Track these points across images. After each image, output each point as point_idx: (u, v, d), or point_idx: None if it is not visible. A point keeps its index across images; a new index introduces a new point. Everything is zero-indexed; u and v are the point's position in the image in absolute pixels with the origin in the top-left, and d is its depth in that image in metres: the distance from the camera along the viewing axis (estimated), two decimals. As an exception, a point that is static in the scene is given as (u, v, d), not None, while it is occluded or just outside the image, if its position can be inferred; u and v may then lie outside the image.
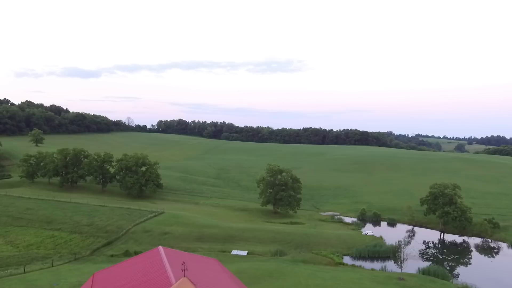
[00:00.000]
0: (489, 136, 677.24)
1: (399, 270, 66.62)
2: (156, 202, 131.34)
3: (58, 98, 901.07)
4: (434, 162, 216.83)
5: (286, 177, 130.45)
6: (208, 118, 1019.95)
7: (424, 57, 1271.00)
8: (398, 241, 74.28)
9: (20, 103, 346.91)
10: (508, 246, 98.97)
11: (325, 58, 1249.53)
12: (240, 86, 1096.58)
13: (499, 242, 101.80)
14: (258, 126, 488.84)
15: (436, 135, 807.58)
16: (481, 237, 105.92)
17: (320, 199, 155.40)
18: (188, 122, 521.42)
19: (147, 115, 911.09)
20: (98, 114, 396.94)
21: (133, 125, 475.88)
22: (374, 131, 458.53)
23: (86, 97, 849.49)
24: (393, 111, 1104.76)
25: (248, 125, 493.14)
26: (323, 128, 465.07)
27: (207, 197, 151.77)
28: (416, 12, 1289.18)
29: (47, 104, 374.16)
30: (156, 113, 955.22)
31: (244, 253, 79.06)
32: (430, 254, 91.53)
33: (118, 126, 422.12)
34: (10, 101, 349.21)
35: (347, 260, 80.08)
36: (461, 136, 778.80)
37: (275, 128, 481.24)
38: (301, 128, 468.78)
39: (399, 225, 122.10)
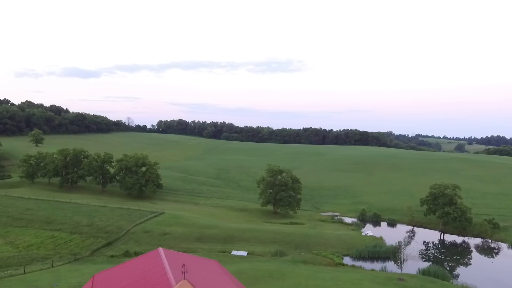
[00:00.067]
0: (489, 136, 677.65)
1: (399, 271, 66.65)
2: (156, 203, 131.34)
3: (58, 98, 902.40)
4: (434, 162, 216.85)
5: (286, 178, 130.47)
6: (208, 118, 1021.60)
7: (424, 57, 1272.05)
8: (398, 242, 74.41)
9: (20, 103, 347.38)
10: (508, 247, 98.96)
11: (325, 58, 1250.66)
12: (240, 86, 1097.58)
13: (499, 243, 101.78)
14: (258, 126, 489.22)
15: (436, 135, 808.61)
16: (481, 238, 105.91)
17: (320, 200, 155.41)
18: (188, 122, 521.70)
19: (147, 115, 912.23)
20: (98, 114, 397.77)
21: (133, 125, 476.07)
22: (374, 131, 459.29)
23: (86, 97, 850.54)
24: (393, 111, 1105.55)
25: (248, 125, 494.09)
26: (323, 128, 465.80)
27: (207, 197, 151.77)
28: (416, 12, 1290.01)
29: (47, 104, 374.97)
30: (156, 113, 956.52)
31: (244, 253, 79.05)
32: (430, 255, 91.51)
33: (118, 126, 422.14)
34: (10, 101, 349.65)
35: (347, 260, 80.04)
36: (461, 136, 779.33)
37: (275, 128, 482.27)
38: (301, 128, 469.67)
39: (399, 226, 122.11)
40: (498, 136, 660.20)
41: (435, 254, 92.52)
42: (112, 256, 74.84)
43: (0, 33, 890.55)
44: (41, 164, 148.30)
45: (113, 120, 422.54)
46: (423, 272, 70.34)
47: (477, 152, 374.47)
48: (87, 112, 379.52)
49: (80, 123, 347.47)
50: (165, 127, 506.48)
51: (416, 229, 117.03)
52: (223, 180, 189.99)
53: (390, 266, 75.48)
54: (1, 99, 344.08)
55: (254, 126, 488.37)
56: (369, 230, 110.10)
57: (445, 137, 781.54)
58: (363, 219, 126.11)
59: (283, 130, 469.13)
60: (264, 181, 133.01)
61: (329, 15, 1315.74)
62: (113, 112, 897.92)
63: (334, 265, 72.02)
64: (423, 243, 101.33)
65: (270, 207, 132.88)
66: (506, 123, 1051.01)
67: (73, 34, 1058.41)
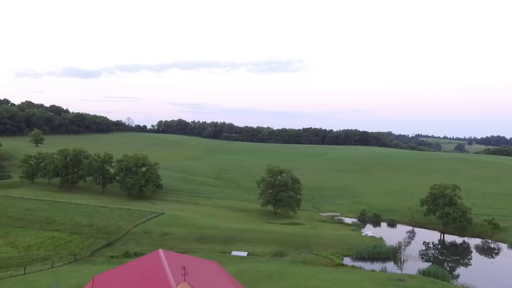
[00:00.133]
0: (489, 136, 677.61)
1: (399, 271, 66.62)
2: (156, 203, 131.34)
3: (58, 98, 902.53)
4: (434, 162, 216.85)
5: (286, 178, 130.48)
6: (208, 118, 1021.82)
7: (424, 57, 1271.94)
8: (398, 242, 74.21)
9: (20, 103, 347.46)
10: (508, 247, 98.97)
11: (325, 58, 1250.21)
12: (240, 86, 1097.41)
13: (499, 243, 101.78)
14: (258, 126, 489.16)
15: (436, 135, 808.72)
16: (481, 238, 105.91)
17: (320, 200, 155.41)
18: (188, 122, 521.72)
19: (147, 115, 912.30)
20: (98, 114, 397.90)
21: (133, 125, 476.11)
22: (374, 131, 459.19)
23: (86, 97, 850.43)
24: (393, 111, 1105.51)
25: (248, 125, 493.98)
26: (323, 128, 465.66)
27: (207, 197, 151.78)
28: (416, 12, 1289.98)
29: (47, 104, 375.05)
30: (156, 113, 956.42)
31: (244, 254, 79.07)
32: (430, 255, 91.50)
33: (118, 126, 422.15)
34: (10, 101, 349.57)
35: (347, 261, 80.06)
36: (461, 136, 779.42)
37: (275, 128, 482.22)
38: (301, 128, 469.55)
39: (399, 226, 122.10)
40: (498, 136, 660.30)
41: (435, 254, 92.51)
42: (112, 257, 74.83)
43: (0, 33, 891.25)
44: (41, 165, 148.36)
45: (113, 120, 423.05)
46: (423, 273, 70.40)
47: (477, 152, 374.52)
48: (87, 112, 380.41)
49: (80, 123, 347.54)
50: (165, 127, 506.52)
51: (416, 229, 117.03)
52: (223, 180, 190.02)
53: (390, 266, 75.46)
54: (1, 99, 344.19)
55: (254, 126, 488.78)
56: (369, 230, 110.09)
57: (445, 137, 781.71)
58: (363, 220, 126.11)
59: (283, 130, 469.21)
60: (264, 181, 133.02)
61: (329, 15, 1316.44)
62: (113, 112, 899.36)
63: (334, 266, 72.04)
64: (423, 244, 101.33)
65: (270, 208, 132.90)
66: (506, 123, 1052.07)
67: (73, 34, 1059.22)
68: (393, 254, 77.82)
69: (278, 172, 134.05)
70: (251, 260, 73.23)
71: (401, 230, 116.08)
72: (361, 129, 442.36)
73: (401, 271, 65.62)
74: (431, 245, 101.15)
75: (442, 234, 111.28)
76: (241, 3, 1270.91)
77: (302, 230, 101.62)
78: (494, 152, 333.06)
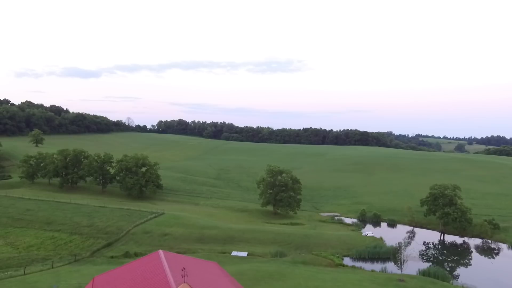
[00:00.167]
0: (489, 136, 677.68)
1: (399, 272, 66.64)
2: (156, 203, 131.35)
3: (58, 98, 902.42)
4: (434, 162, 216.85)
5: (286, 178, 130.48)
6: (208, 118, 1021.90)
7: (424, 57, 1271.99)
8: (398, 242, 74.21)
9: (20, 103, 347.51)
10: (508, 247, 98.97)
11: (325, 58, 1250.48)
12: (240, 86, 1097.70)
13: (499, 243, 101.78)
14: (258, 126, 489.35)
15: (436, 135, 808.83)
16: (481, 238, 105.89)
17: (320, 200, 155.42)
18: (188, 122, 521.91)
19: (147, 115, 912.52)
20: (98, 114, 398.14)
21: (133, 125, 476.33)
22: (374, 131, 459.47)
23: (86, 97, 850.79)
24: (393, 111, 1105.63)
25: (248, 125, 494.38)
26: (323, 128, 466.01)
27: (207, 197, 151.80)
28: (416, 12, 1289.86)
29: (47, 104, 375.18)
30: (156, 113, 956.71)
31: (244, 254, 79.08)
32: (430, 255, 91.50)
33: (118, 127, 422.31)
34: (10, 101, 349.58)
35: (347, 261, 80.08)
36: (461, 136, 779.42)
37: (275, 128, 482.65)
38: (301, 128, 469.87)
39: (399, 226, 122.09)
40: (498, 136, 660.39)
41: (435, 254, 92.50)
42: (112, 257, 74.79)
43: (0, 33, 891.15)
44: (41, 165, 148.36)
45: (113, 120, 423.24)
46: (423, 273, 70.42)
47: (477, 152, 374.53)
48: (87, 112, 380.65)
49: (80, 123, 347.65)
50: (165, 127, 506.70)
51: (416, 229, 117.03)
52: (223, 180, 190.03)
53: (390, 267, 75.48)
54: (1, 99, 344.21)
55: (254, 126, 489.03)
56: (369, 230, 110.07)
57: (445, 137, 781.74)
58: (363, 220, 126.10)
59: (283, 130, 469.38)
60: (264, 181, 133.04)
61: (329, 15, 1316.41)
62: (113, 112, 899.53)
63: (334, 266, 72.07)
64: (423, 244, 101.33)
65: (270, 208, 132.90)
66: (506, 123, 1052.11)
67: (73, 34, 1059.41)
68: (393, 254, 77.89)
69: (278, 172, 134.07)
70: (251, 260, 73.23)
71: (401, 230, 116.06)
72: (361, 129, 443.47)
73: (401, 271, 65.65)
74: (431, 245, 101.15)
75: (442, 234, 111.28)
76: (241, 3, 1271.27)
77: (302, 230, 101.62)
78: (494, 152, 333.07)
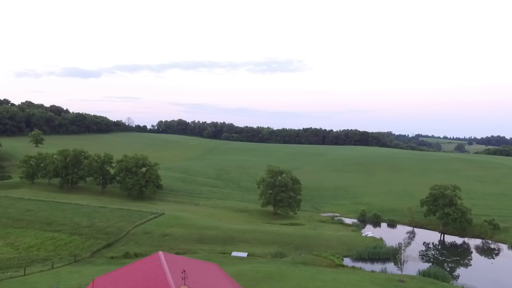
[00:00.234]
0: (489, 136, 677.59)
1: (399, 272, 66.66)
2: (156, 203, 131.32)
3: (58, 98, 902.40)
4: (434, 162, 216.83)
5: (286, 178, 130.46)
6: (208, 118, 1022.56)
7: (424, 57, 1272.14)
8: (398, 243, 74.25)
9: (20, 103, 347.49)
10: (508, 248, 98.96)
11: (325, 58, 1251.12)
12: (240, 86, 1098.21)
13: (499, 244, 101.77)
14: (258, 127, 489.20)
15: (436, 135, 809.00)
16: (481, 239, 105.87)
17: (320, 200, 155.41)
18: (188, 122, 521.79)
19: (147, 115, 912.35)
20: (98, 114, 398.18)
21: (133, 126, 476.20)
22: (374, 131, 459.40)
23: (86, 97, 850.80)
24: (393, 111, 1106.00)
25: (248, 125, 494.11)
26: (323, 128, 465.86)
27: (207, 198, 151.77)
28: (416, 12, 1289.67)
29: (47, 104, 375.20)
30: (156, 113, 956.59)
31: (244, 254, 79.07)
32: (430, 256, 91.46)
33: (118, 127, 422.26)
34: (10, 101, 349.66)
35: (347, 261, 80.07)
36: (461, 136, 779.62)
37: (275, 128, 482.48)
38: (301, 128, 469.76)
39: (399, 226, 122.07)
40: (498, 136, 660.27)
41: (435, 255, 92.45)
42: (112, 258, 74.81)
43: (0, 33, 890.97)
44: (41, 165, 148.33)
45: (113, 120, 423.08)
46: (423, 274, 70.42)
47: (477, 152, 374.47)
48: (87, 112, 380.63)
49: (80, 123, 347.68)
50: (165, 127, 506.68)
51: (416, 230, 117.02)
52: (223, 180, 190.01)
53: (390, 267, 75.52)
54: (1, 99, 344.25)
55: (254, 126, 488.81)
56: (369, 231, 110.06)
57: (445, 137, 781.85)
58: (363, 220, 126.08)
59: (283, 130, 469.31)
60: (264, 182, 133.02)
61: (329, 15, 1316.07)
62: (113, 112, 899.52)
63: (334, 266, 72.04)
64: (423, 244, 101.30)
65: (270, 208, 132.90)
66: (506, 123, 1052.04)
67: (73, 34, 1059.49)
68: (393, 255, 77.90)
69: (278, 173, 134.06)
70: (251, 261, 73.24)
71: (401, 231, 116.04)
72: (361, 129, 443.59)
73: (401, 272, 65.66)
74: (431, 246, 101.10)
75: (442, 235, 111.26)
76: (241, 3, 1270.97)
77: (302, 231, 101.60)
78: (494, 152, 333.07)
